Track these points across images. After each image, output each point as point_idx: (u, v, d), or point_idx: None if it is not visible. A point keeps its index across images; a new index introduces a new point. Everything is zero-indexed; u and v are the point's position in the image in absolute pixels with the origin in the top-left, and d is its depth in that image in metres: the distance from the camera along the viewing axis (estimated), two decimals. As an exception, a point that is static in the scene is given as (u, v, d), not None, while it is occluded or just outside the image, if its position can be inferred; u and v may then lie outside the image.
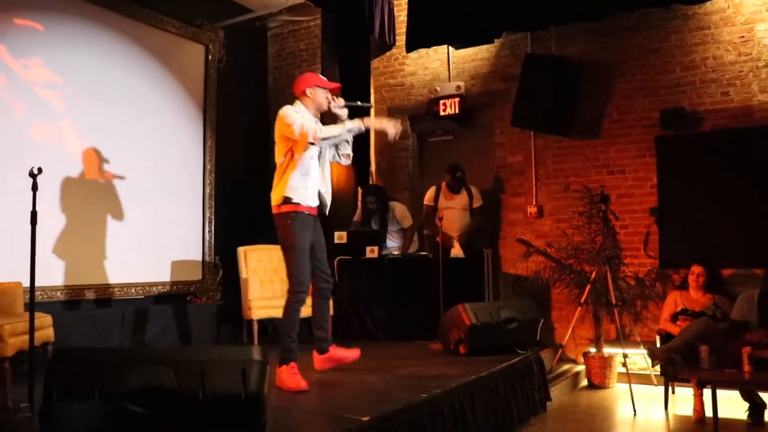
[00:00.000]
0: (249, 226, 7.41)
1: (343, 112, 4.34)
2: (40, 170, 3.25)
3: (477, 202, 6.66)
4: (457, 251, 6.44)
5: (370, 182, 7.29)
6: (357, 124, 4.21)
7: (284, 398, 3.78)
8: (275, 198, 4.15)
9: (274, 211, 4.18)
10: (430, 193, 6.81)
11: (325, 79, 4.38)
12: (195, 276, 6.95)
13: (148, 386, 2.43)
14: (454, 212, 6.61)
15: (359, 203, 6.93)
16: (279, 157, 4.19)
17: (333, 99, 4.30)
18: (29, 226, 3.44)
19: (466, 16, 6.14)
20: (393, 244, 6.80)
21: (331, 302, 4.60)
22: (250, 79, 8.01)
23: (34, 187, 3.23)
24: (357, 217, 6.92)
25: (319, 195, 4.29)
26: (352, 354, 4.49)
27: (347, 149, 4.44)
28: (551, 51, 6.59)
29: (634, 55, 6.31)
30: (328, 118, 4.42)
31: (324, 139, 4.10)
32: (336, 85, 4.43)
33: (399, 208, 6.79)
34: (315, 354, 4.44)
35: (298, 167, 4.11)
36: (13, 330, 3.85)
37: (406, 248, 6.77)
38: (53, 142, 5.75)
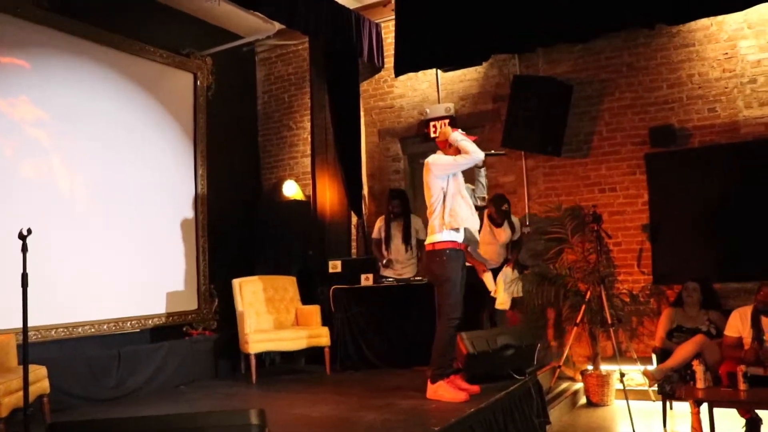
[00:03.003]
0: (243, 253, 7.43)
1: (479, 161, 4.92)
2: (29, 231, 3.23)
3: (517, 234, 6.29)
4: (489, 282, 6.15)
5: (363, 207, 7.28)
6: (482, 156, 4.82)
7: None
8: (432, 236, 4.71)
9: (428, 248, 4.75)
10: None
11: (465, 134, 4.89)
12: (191, 306, 6.95)
13: (146, 457, 2.42)
14: (493, 248, 6.19)
15: (379, 221, 6.78)
16: (430, 200, 4.76)
17: None
18: (21, 273, 3.46)
19: (454, 40, 6.16)
20: (406, 255, 6.65)
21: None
22: (240, 104, 8.02)
23: (24, 249, 3.20)
24: (375, 233, 6.77)
25: (469, 231, 4.87)
26: (473, 388, 4.74)
27: (483, 192, 5.06)
28: (539, 70, 6.62)
29: (622, 73, 6.35)
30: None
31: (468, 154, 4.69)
32: (472, 138, 4.89)
33: (416, 220, 6.73)
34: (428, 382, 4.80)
35: (448, 208, 4.68)
36: (8, 389, 3.83)
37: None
38: (43, 178, 5.75)
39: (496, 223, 6.15)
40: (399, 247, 6.59)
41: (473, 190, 4.99)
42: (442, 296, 4.71)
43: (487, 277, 5.98)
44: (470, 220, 4.76)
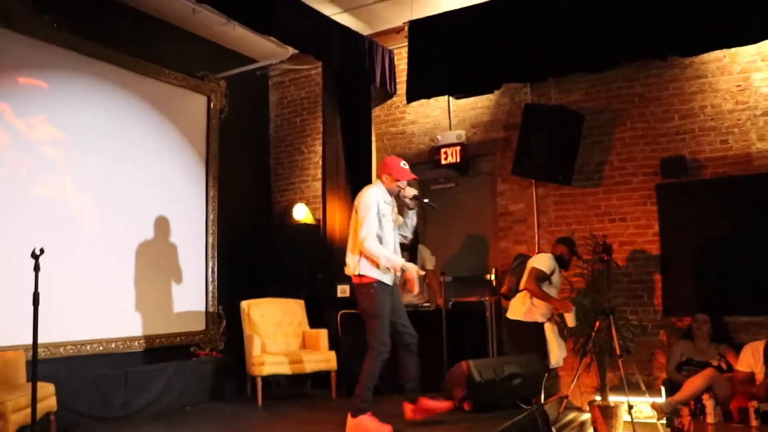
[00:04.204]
0: (252, 275, 7.44)
1: (411, 202, 4.78)
2: (42, 251, 3.26)
3: None
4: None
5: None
6: (399, 266, 4.53)
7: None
8: (356, 268, 4.53)
9: (355, 280, 4.59)
10: (551, 262, 5.71)
11: (405, 170, 4.70)
12: (198, 327, 6.95)
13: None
14: (558, 294, 5.82)
15: None
16: (355, 228, 4.58)
17: (403, 188, 4.70)
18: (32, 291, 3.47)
19: (466, 68, 6.20)
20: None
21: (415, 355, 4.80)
22: (252, 127, 8.09)
23: (37, 268, 3.23)
24: None
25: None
26: (442, 405, 4.69)
27: (406, 232, 4.87)
28: (551, 99, 6.65)
29: (634, 104, 6.37)
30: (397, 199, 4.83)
31: (368, 251, 4.47)
32: (408, 177, 4.73)
33: (424, 250, 6.68)
34: (406, 405, 4.69)
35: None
36: (16, 406, 3.84)
37: (437, 298, 6.43)
38: (57, 197, 5.80)
39: (565, 265, 5.83)
40: None
41: (398, 226, 4.81)
42: (370, 331, 4.51)
43: (570, 316, 5.60)
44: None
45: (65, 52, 5.94)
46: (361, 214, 4.54)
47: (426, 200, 4.89)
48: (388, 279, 4.58)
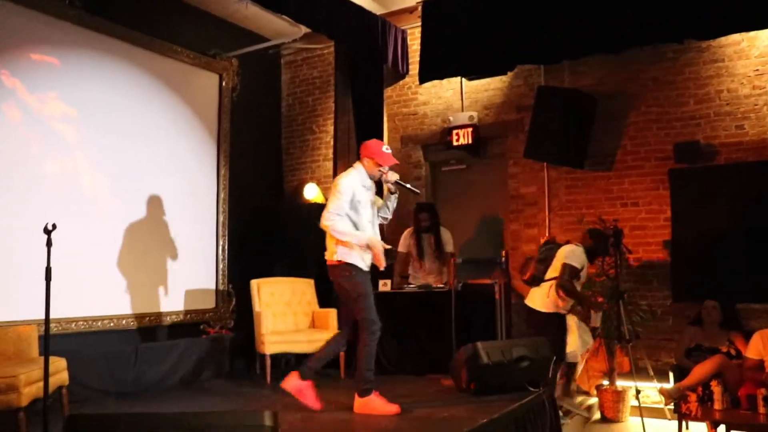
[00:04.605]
0: (263, 253, 7.47)
1: (393, 187, 4.73)
2: (54, 226, 3.28)
3: None
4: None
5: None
6: (365, 242, 4.51)
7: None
8: (333, 254, 4.51)
9: (333, 264, 4.55)
10: (583, 257, 5.47)
11: (387, 154, 4.63)
12: (208, 304, 6.99)
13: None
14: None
15: (405, 237, 6.68)
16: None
17: (385, 173, 4.63)
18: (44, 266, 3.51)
19: (480, 49, 6.16)
20: (439, 268, 6.56)
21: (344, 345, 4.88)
22: (264, 106, 8.07)
23: (49, 243, 3.25)
24: (402, 246, 6.65)
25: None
26: (314, 402, 4.60)
27: (387, 214, 4.84)
28: (564, 82, 6.60)
29: (648, 87, 6.30)
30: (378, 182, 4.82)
31: (333, 231, 4.46)
32: (391, 163, 4.66)
33: (445, 233, 6.64)
34: (294, 374, 4.63)
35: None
36: (28, 379, 3.89)
37: (450, 280, 6.41)
38: (68, 173, 5.82)
39: (592, 258, 5.63)
40: (432, 263, 6.53)
41: (378, 208, 4.76)
42: (359, 312, 4.53)
43: (598, 315, 5.67)
44: (365, 255, 4.55)
45: (77, 29, 5.93)
46: (330, 200, 4.53)
47: (408, 185, 4.85)
48: (364, 266, 4.57)
